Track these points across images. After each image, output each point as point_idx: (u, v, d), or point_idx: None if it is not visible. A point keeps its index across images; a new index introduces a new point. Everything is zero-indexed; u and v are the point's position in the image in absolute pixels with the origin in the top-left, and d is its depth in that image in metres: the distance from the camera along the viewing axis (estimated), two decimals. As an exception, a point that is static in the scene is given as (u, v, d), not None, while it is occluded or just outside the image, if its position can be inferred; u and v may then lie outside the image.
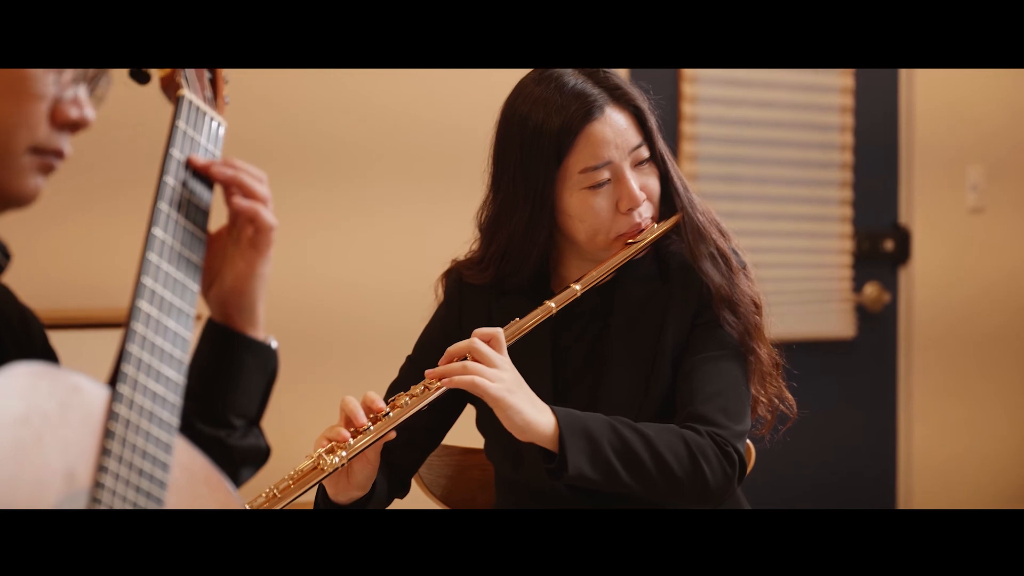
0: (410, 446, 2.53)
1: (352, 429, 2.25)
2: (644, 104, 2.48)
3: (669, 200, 2.52)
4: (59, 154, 1.50)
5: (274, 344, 1.74)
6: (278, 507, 2.18)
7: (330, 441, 2.24)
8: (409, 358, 2.63)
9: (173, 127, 1.64)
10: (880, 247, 5.27)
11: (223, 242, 1.68)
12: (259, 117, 4.15)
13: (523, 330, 2.40)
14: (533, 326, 2.41)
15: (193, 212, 1.61)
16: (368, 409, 2.27)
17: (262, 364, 1.73)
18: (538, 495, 2.50)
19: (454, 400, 2.51)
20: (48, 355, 1.72)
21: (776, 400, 2.56)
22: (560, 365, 2.51)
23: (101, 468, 1.44)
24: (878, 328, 5.29)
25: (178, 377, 1.54)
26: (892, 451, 5.34)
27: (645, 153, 2.47)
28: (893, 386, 5.34)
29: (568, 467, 2.25)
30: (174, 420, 1.52)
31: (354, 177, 4.30)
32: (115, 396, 1.47)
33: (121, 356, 1.49)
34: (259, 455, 1.76)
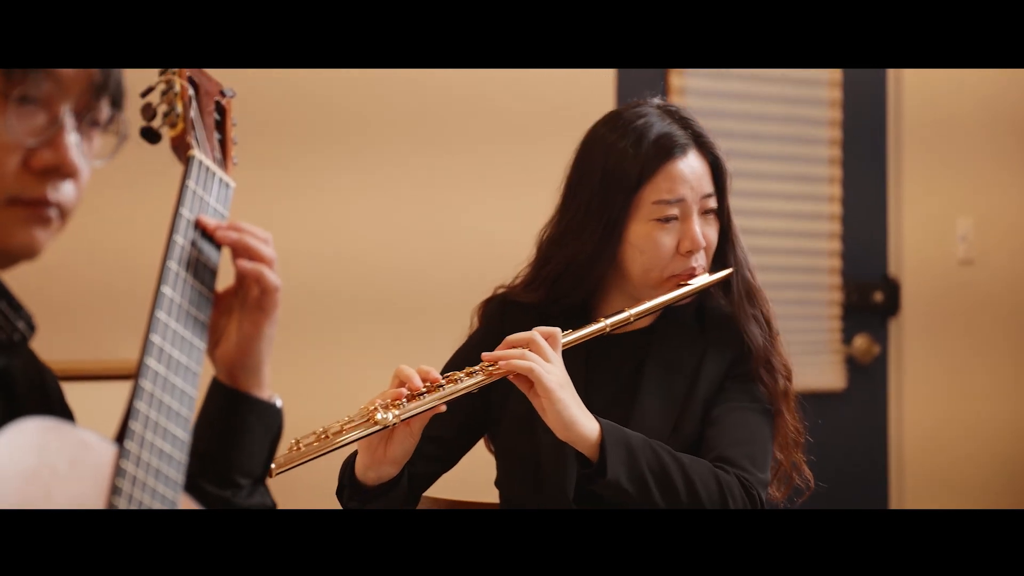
0: (430, 458, 2.55)
1: (408, 393, 2.30)
2: (723, 157, 2.58)
3: (722, 256, 2.60)
4: (44, 202, 1.47)
5: (279, 403, 1.74)
6: (326, 449, 2.23)
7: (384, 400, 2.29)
8: None
9: (183, 186, 1.65)
10: (870, 298, 5.27)
11: (230, 302, 1.69)
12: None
13: (576, 340, 2.45)
14: (587, 338, 2.46)
15: (201, 271, 1.62)
16: (423, 378, 2.32)
17: (267, 424, 1.72)
18: None
19: (477, 420, 2.60)
20: (64, 414, 1.72)
21: (793, 473, 2.63)
22: (591, 398, 2.50)
23: (106, 524, 1.45)
24: (868, 380, 5.30)
25: (184, 435, 1.54)
26: (883, 502, 5.34)
27: (713, 204, 2.57)
28: (884, 438, 5.33)
29: (607, 473, 2.30)
30: (179, 477, 1.53)
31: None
32: (122, 453, 1.48)
33: (129, 413, 1.50)
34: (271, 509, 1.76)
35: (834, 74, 5.14)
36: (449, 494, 2.75)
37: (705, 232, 2.54)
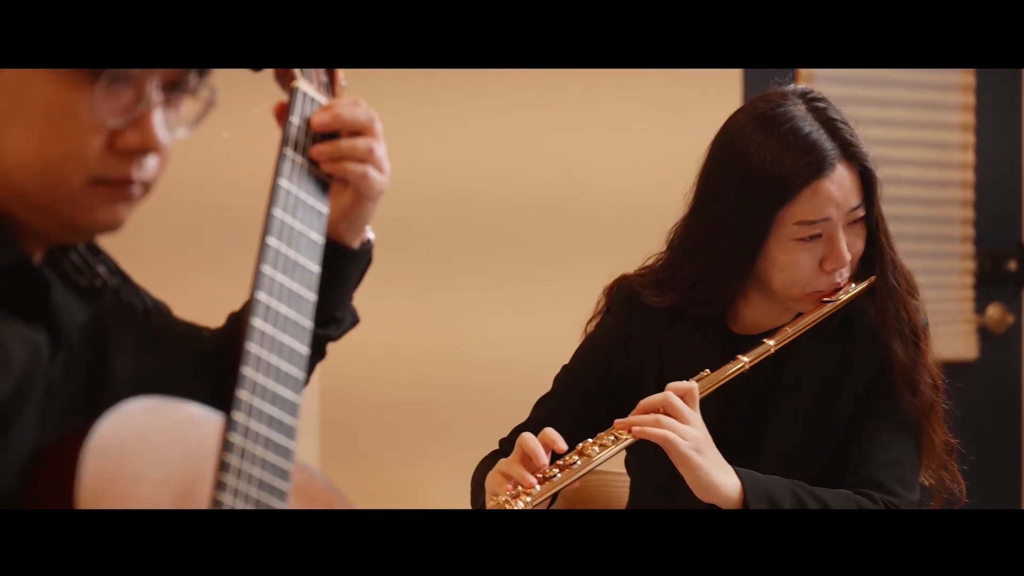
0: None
1: (539, 475, 2.21)
2: (872, 167, 2.42)
3: (869, 262, 2.46)
4: (129, 181, 1.42)
5: (371, 236, 1.75)
6: None
7: (509, 479, 2.22)
8: (565, 369, 2.59)
9: (287, 123, 1.57)
10: (1003, 267, 5.15)
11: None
12: None
13: (714, 384, 2.36)
14: (724, 381, 2.37)
15: (308, 215, 1.54)
16: (547, 448, 2.23)
17: (365, 264, 1.78)
18: None
19: (603, 414, 2.44)
20: (174, 354, 1.70)
21: (947, 481, 2.53)
22: (725, 407, 2.44)
23: (215, 503, 1.40)
24: (1001, 350, 5.19)
25: (295, 398, 1.47)
26: (1017, 474, 5.24)
27: (861, 214, 2.41)
28: (1018, 408, 5.21)
29: None
30: (291, 444, 1.46)
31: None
32: (230, 424, 1.42)
33: (236, 380, 1.44)
34: (355, 325, 1.82)
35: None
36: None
37: (851, 243, 2.39)
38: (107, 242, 1.56)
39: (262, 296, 1.47)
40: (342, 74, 1.71)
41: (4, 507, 1.36)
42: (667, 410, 2.26)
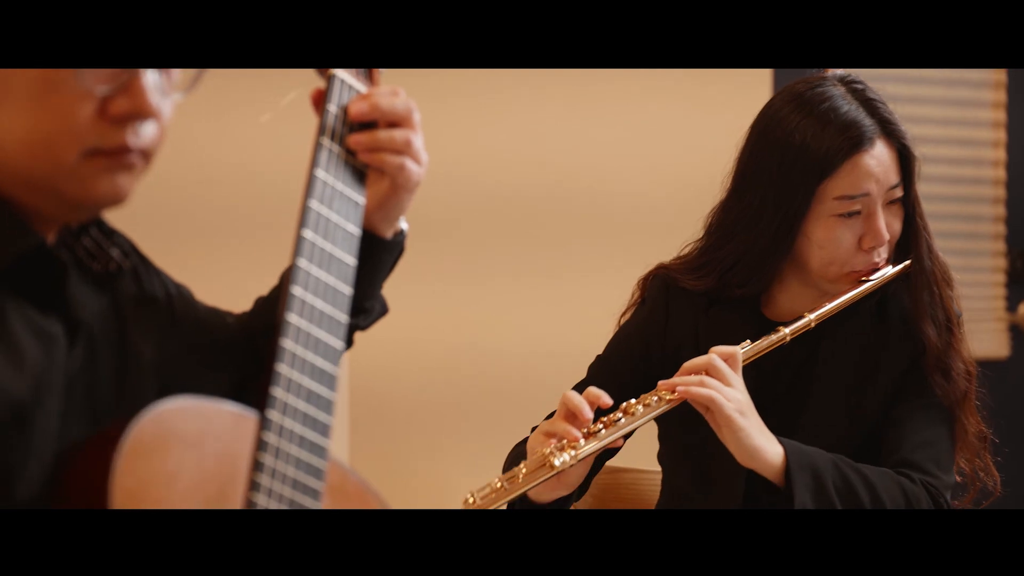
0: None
1: (584, 430, 2.19)
2: (911, 145, 2.43)
3: (905, 243, 2.45)
4: (125, 150, 1.38)
5: (404, 226, 1.72)
6: (504, 499, 2.15)
7: (552, 436, 2.20)
8: (600, 357, 2.57)
9: (324, 111, 1.54)
10: (1036, 265, 5.14)
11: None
12: None
13: (756, 354, 2.34)
14: (766, 351, 2.35)
15: (344, 206, 1.51)
16: (592, 404, 2.20)
17: (397, 254, 1.74)
18: None
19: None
20: (197, 343, 1.67)
21: (981, 473, 2.50)
22: (762, 385, 2.41)
23: (249, 503, 1.37)
24: (1034, 349, 5.16)
25: (329, 394, 1.44)
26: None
27: (899, 193, 2.40)
28: (1050, 408, 5.19)
29: (795, 501, 2.21)
30: (325, 442, 1.44)
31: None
32: (264, 423, 1.39)
33: (270, 377, 1.40)
34: (384, 314, 1.80)
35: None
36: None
37: (889, 223, 2.39)
38: (140, 231, 1.54)
39: (297, 291, 1.44)
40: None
41: (30, 504, 1.34)
42: (711, 372, 2.25)
